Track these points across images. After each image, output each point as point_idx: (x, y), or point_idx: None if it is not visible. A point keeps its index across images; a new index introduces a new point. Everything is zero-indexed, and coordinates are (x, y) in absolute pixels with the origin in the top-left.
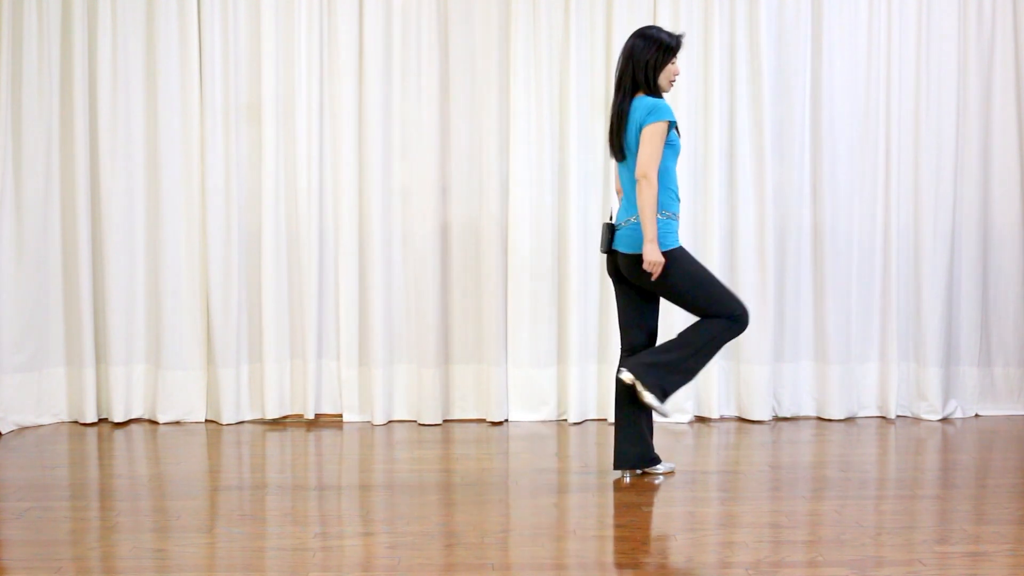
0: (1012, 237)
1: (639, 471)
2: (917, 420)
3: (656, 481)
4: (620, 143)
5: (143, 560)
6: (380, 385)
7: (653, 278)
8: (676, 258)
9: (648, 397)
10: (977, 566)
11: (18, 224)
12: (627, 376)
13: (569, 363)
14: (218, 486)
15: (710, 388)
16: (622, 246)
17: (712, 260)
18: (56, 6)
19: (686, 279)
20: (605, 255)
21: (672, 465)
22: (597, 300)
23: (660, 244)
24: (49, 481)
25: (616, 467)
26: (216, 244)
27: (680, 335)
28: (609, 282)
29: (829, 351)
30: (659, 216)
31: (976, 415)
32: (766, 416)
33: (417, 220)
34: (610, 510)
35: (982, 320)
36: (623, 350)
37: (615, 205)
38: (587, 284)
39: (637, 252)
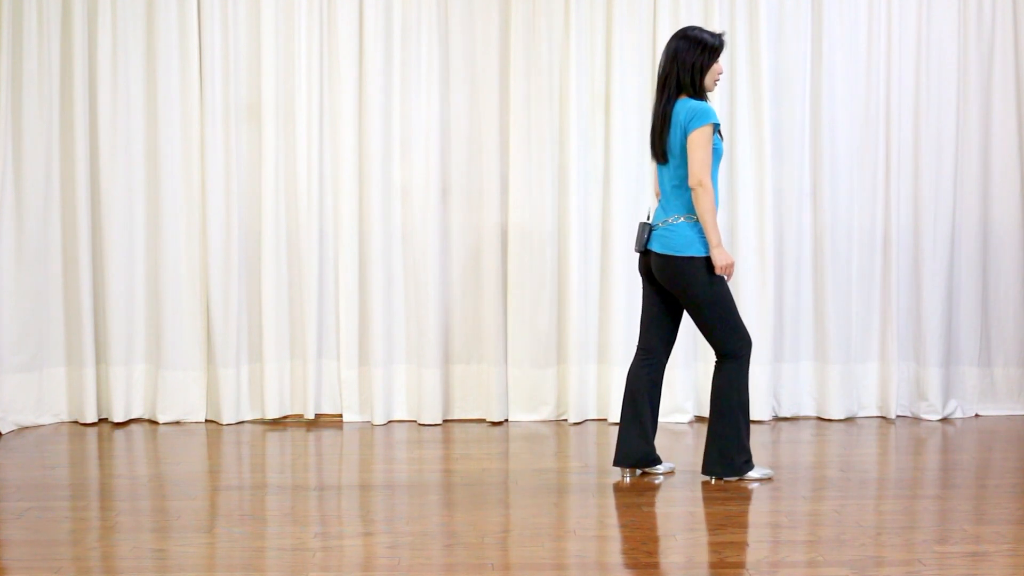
0: (1012, 237)
1: (639, 471)
2: (917, 420)
3: (656, 481)
4: (663, 146)
5: (143, 560)
6: (380, 385)
7: (726, 274)
8: (704, 267)
9: (749, 475)
10: (977, 566)
11: (18, 224)
12: (714, 482)
13: (569, 363)
14: (218, 486)
15: (710, 388)
16: (656, 246)
17: None
18: (56, 6)
19: (709, 293)
20: (639, 254)
21: (672, 465)
22: (597, 300)
23: (696, 249)
24: (49, 481)
25: (616, 463)
26: (216, 244)
27: (714, 407)
28: (610, 282)
29: (829, 351)
30: (696, 220)
31: (976, 415)
32: (766, 416)
33: (417, 220)
34: (610, 510)
35: (982, 320)
36: (639, 348)
37: (653, 204)
38: (587, 284)
39: (668, 253)
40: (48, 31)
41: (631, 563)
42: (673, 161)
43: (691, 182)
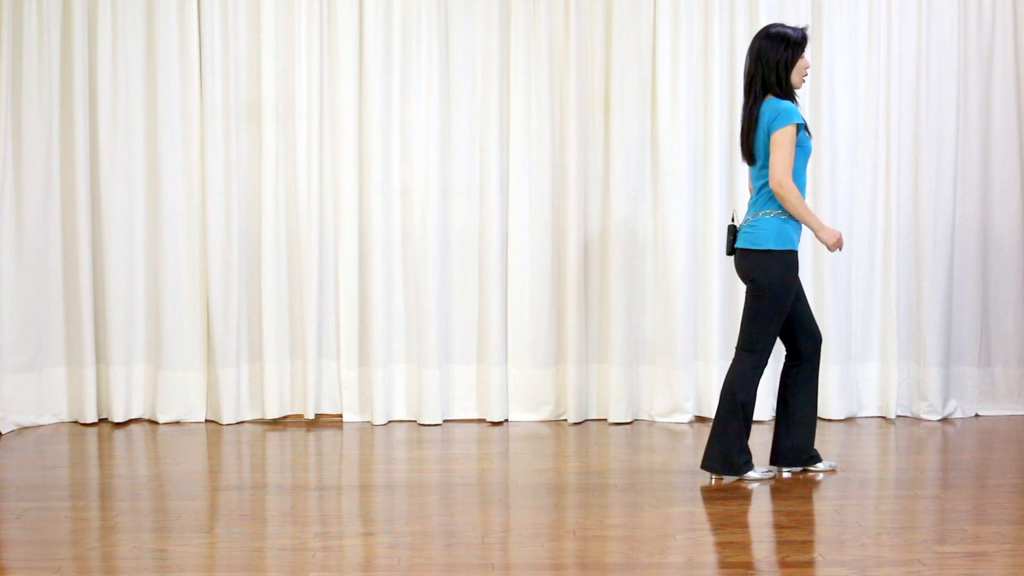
0: (1012, 237)
1: (798, 468)
2: (917, 420)
3: (818, 478)
4: (750, 147)
5: (143, 560)
6: (380, 385)
7: (839, 248)
8: (780, 263)
9: (749, 475)
10: (977, 566)
11: (18, 224)
12: (713, 482)
13: (569, 363)
14: (218, 486)
15: (710, 388)
16: (739, 242)
17: (713, 261)
18: (56, 6)
19: (771, 287)
20: (732, 257)
21: (833, 464)
22: (597, 300)
23: (773, 243)
24: (49, 481)
25: (777, 464)
26: (216, 244)
27: (722, 401)
28: (610, 281)
29: (829, 351)
30: (777, 215)
31: (976, 415)
32: (766, 416)
33: (417, 220)
34: (610, 510)
35: (982, 320)
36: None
37: (737, 207)
38: (587, 284)
39: (746, 247)
40: (48, 31)
41: (631, 563)
42: (759, 161)
43: (772, 184)
